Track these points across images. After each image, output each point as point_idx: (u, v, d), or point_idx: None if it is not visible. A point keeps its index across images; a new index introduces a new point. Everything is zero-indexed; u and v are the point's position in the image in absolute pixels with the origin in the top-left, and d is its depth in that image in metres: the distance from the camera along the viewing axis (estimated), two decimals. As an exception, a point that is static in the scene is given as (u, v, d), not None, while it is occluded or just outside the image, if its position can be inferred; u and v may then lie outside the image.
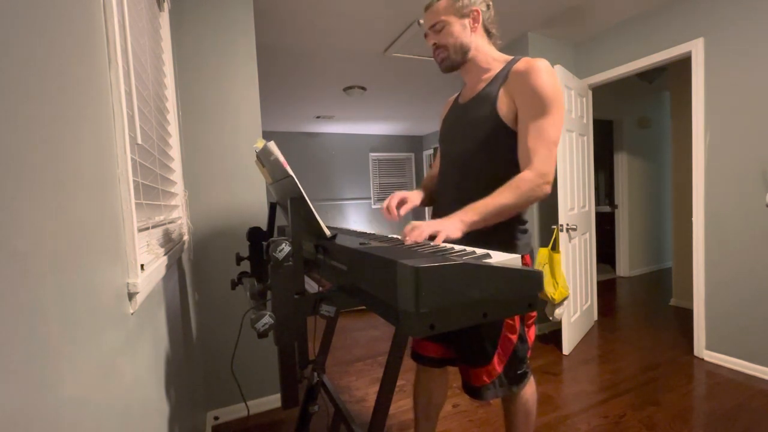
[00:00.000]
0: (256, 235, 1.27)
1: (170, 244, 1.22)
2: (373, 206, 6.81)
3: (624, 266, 4.75)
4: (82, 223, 0.50)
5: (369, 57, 3.18)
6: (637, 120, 4.71)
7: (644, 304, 3.69)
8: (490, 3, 1.18)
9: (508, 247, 1.11)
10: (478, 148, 1.14)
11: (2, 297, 0.31)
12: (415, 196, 1.26)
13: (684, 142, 3.36)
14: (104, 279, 0.57)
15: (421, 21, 2.56)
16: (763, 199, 2.16)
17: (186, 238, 1.59)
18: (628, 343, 2.79)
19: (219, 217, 1.97)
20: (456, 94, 1.35)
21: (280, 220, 1.24)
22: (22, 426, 0.33)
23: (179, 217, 1.54)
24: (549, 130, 1.03)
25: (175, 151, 1.54)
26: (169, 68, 1.56)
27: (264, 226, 1.47)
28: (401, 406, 2.06)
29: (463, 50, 1.15)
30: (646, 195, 4.81)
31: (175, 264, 1.30)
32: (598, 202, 5.10)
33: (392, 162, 7.01)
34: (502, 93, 1.10)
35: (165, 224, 1.21)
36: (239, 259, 1.20)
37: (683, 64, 3.12)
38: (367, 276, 0.69)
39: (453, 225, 0.93)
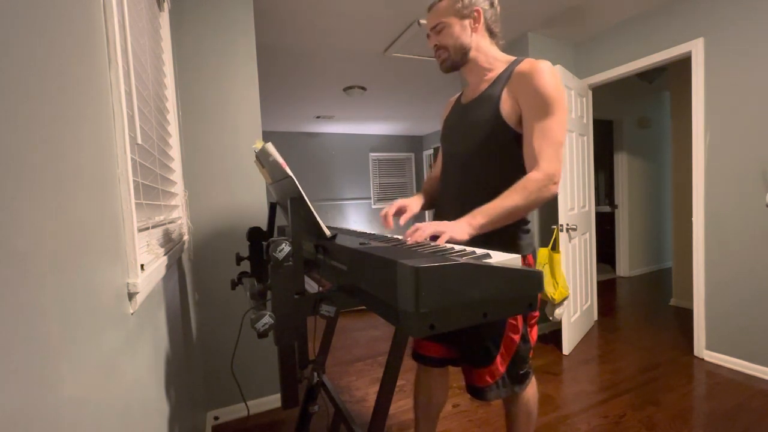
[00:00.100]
0: (256, 235, 1.27)
1: (170, 244, 1.22)
2: (373, 206, 6.81)
3: (624, 266, 4.75)
4: (82, 223, 0.50)
5: (369, 57, 3.18)
6: (637, 120, 4.71)
7: (644, 304, 3.69)
8: (495, 1, 1.18)
9: (512, 247, 1.11)
10: (481, 148, 1.14)
11: (2, 297, 0.31)
12: (414, 204, 1.26)
13: (684, 142, 3.36)
14: (104, 279, 0.57)
15: (422, 21, 2.57)
16: (763, 199, 2.16)
17: (186, 238, 1.59)
18: (628, 343, 2.79)
19: (219, 217, 1.97)
20: (458, 94, 1.35)
21: (280, 220, 1.24)
22: (22, 426, 0.33)
23: (179, 217, 1.54)
24: (554, 130, 1.04)
25: (175, 151, 1.54)
26: (169, 68, 1.56)
27: (264, 226, 1.47)
28: (401, 406, 2.06)
29: (463, 51, 1.15)
30: (646, 195, 4.81)
31: (175, 264, 1.30)
32: (598, 202, 5.10)
33: (392, 162, 7.01)
34: (505, 94, 1.10)
35: (165, 224, 1.21)
36: (239, 259, 1.20)
37: (683, 64, 3.12)
38: (367, 276, 0.69)
39: (460, 228, 0.93)
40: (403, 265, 0.55)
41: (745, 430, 1.75)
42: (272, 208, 1.33)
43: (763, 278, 2.19)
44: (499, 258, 0.66)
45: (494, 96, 1.12)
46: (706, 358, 2.46)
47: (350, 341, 3.08)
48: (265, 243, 0.97)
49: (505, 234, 1.09)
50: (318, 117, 5.22)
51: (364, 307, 0.80)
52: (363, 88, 3.97)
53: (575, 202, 2.78)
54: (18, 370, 0.33)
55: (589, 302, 3.08)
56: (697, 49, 2.40)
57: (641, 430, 1.78)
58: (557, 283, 2.45)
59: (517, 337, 1.12)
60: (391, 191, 7.00)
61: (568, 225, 2.62)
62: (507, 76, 1.11)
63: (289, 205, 0.78)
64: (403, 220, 1.20)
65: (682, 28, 2.47)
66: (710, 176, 2.41)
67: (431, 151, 6.86)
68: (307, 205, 0.80)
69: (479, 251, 0.72)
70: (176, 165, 1.56)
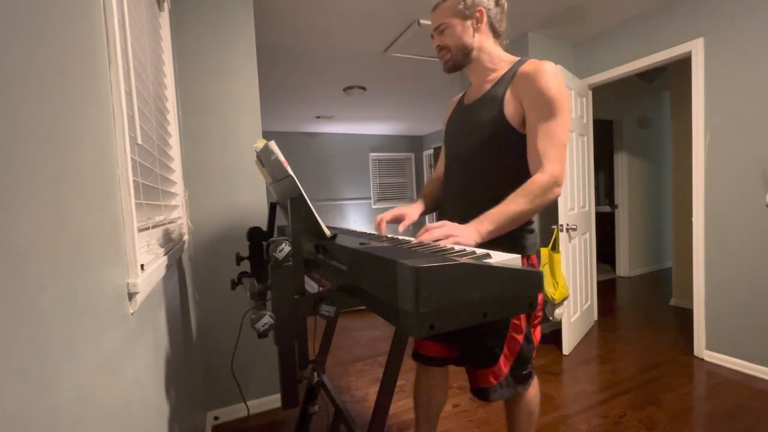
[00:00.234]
0: (256, 235, 1.27)
1: (170, 244, 1.22)
2: (373, 206, 6.81)
3: (624, 266, 4.75)
4: (82, 223, 0.50)
5: (369, 57, 3.18)
6: (637, 120, 4.71)
7: (644, 304, 3.69)
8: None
9: (516, 247, 1.11)
10: (484, 149, 1.14)
11: (2, 297, 0.31)
12: (413, 211, 1.26)
13: (684, 142, 3.36)
14: (104, 279, 0.57)
15: (422, 21, 2.57)
16: (763, 199, 2.16)
17: (186, 238, 1.59)
18: (628, 343, 2.79)
19: (219, 217, 1.97)
20: (460, 95, 1.35)
21: (280, 220, 1.24)
22: (22, 426, 0.33)
23: (179, 217, 1.54)
24: (558, 132, 1.04)
25: (175, 151, 1.54)
26: (169, 68, 1.56)
27: (264, 226, 1.47)
28: (401, 406, 2.06)
29: (466, 51, 1.15)
30: (646, 195, 4.81)
31: (175, 264, 1.30)
32: (598, 202, 5.10)
33: (392, 162, 7.01)
34: (508, 95, 1.09)
35: (165, 224, 1.21)
36: (239, 259, 1.20)
37: (683, 64, 3.12)
38: (367, 276, 0.69)
39: (469, 233, 0.93)
40: (403, 265, 0.55)
41: (745, 430, 1.75)
42: (272, 208, 1.33)
43: (763, 278, 2.19)
44: (499, 258, 0.66)
45: (498, 96, 1.12)
46: (706, 358, 2.46)
47: (350, 341, 3.08)
48: (265, 243, 0.97)
49: (509, 234, 1.10)
50: (318, 117, 5.22)
51: (364, 307, 0.80)
52: (363, 88, 3.97)
53: (575, 202, 2.78)
54: (18, 370, 0.33)
55: (589, 302, 3.08)
56: (697, 49, 2.40)
57: (641, 430, 1.78)
58: (557, 283, 2.45)
59: (520, 338, 1.12)
60: (391, 191, 7.00)
61: (568, 225, 2.62)
62: (510, 76, 1.11)
63: (289, 205, 0.78)
64: (401, 227, 1.20)
65: (682, 28, 2.47)
66: (710, 176, 2.41)
67: (431, 151, 6.86)
68: (308, 204, 0.80)
69: (479, 251, 0.72)
70: (176, 165, 1.56)
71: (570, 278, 2.68)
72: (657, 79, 4.48)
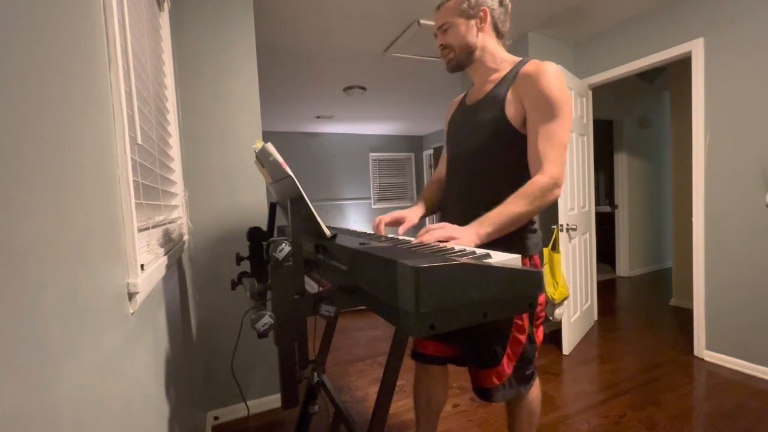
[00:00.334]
0: (256, 235, 1.27)
1: (170, 244, 1.22)
2: (373, 206, 6.81)
3: (624, 266, 4.75)
4: (82, 222, 0.50)
5: (369, 57, 3.18)
6: (637, 120, 4.71)
7: (644, 304, 3.69)
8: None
9: (518, 247, 1.11)
10: (486, 149, 1.14)
11: (2, 297, 0.31)
12: (413, 214, 1.26)
13: (684, 142, 3.36)
14: (104, 279, 0.57)
15: (421, 21, 2.57)
16: (763, 199, 2.16)
17: (186, 238, 1.59)
18: (628, 343, 2.79)
19: (219, 217, 1.97)
20: (462, 95, 1.35)
21: (280, 220, 1.24)
22: (22, 426, 0.33)
23: (179, 217, 1.54)
24: (559, 133, 1.04)
25: (175, 151, 1.54)
26: (169, 68, 1.56)
27: (264, 226, 1.47)
28: (401, 406, 2.06)
29: (469, 50, 1.15)
30: (646, 195, 4.81)
31: (175, 264, 1.30)
32: (598, 202, 5.10)
33: (392, 162, 7.01)
34: (510, 95, 1.09)
35: (165, 224, 1.21)
36: (239, 259, 1.20)
37: (683, 64, 3.12)
38: (367, 276, 0.69)
39: (468, 235, 0.94)
40: (403, 265, 0.55)
41: (745, 430, 1.75)
42: (272, 208, 1.33)
43: (763, 278, 2.19)
44: (499, 258, 0.66)
45: (499, 97, 1.12)
46: (706, 358, 2.46)
47: (350, 341, 3.08)
48: (265, 243, 0.97)
49: (512, 234, 1.10)
50: (318, 117, 5.22)
51: (364, 307, 0.80)
52: (363, 88, 3.97)
53: (575, 202, 2.78)
54: (18, 370, 0.33)
55: (589, 302, 3.08)
56: (697, 49, 2.40)
57: (641, 430, 1.78)
58: (557, 283, 2.45)
59: (523, 338, 1.12)
60: (391, 191, 7.00)
61: (568, 225, 2.62)
62: (512, 77, 1.11)
63: (289, 205, 0.78)
64: (401, 230, 1.20)
65: (682, 28, 2.47)
66: (710, 176, 2.41)
67: (431, 151, 6.86)
68: (307, 204, 0.80)
69: (479, 251, 0.72)
70: (176, 165, 1.56)
71: (570, 278, 2.68)
72: (657, 79, 4.49)
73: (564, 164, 1.05)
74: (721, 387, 2.14)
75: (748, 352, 2.28)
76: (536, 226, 1.17)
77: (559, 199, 2.55)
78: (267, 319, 0.72)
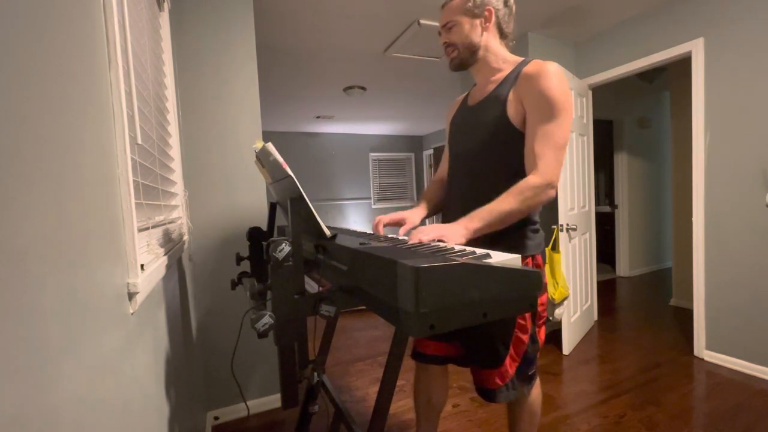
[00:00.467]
0: (256, 235, 1.27)
1: (170, 244, 1.22)
2: (373, 206, 6.81)
3: (624, 266, 4.75)
4: (82, 222, 0.50)
5: (369, 57, 3.18)
6: (637, 120, 4.71)
7: (644, 304, 3.69)
8: (510, 0, 1.17)
9: (519, 247, 1.11)
10: (488, 150, 1.14)
11: (2, 297, 0.31)
12: (415, 216, 1.25)
13: (684, 142, 3.36)
14: (104, 279, 0.57)
15: (421, 21, 2.57)
16: (763, 199, 2.16)
17: (186, 238, 1.59)
18: (628, 343, 2.79)
19: (219, 217, 1.97)
20: (464, 95, 1.35)
21: (280, 220, 1.24)
22: (22, 426, 0.33)
23: (179, 217, 1.54)
24: (557, 134, 1.03)
25: (175, 151, 1.54)
26: (169, 68, 1.56)
27: (264, 226, 1.47)
28: (401, 406, 2.06)
29: (472, 49, 1.15)
30: (646, 195, 4.81)
31: (175, 264, 1.30)
32: (598, 202, 5.10)
33: (392, 162, 7.01)
34: (511, 96, 1.09)
35: (165, 224, 1.21)
36: (239, 259, 1.20)
37: (683, 64, 3.12)
38: (367, 276, 0.69)
39: (457, 232, 0.94)
40: (403, 265, 0.55)
41: (745, 430, 1.75)
42: (272, 208, 1.33)
43: (763, 278, 2.19)
44: (498, 258, 0.66)
45: (501, 97, 1.11)
46: (706, 358, 2.46)
47: (350, 341, 3.08)
48: (265, 243, 0.97)
49: (513, 234, 1.10)
50: (318, 117, 5.22)
51: (364, 307, 0.80)
52: (363, 88, 3.97)
53: (575, 202, 2.78)
54: (18, 370, 0.33)
55: (589, 302, 3.08)
56: (697, 49, 2.40)
57: (641, 430, 1.78)
58: (557, 283, 2.45)
59: (525, 337, 1.12)
60: (391, 191, 7.00)
61: (568, 225, 2.62)
62: (514, 77, 1.11)
63: (289, 205, 0.78)
64: (402, 231, 1.20)
65: (682, 28, 2.47)
66: (710, 176, 2.41)
67: (431, 151, 6.86)
68: (307, 204, 0.80)
69: (479, 251, 0.72)
70: (176, 165, 1.56)
71: (570, 278, 2.68)
72: (657, 79, 4.49)
73: (560, 166, 1.04)
74: (721, 387, 2.14)
75: (748, 352, 2.28)
76: (538, 226, 1.17)
77: (559, 199, 2.55)
78: (267, 319, 0.72)
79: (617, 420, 1.87)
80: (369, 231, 1.27)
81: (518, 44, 2.92)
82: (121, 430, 0.59)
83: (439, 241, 0.90)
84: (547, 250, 2.50)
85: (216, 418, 1.98)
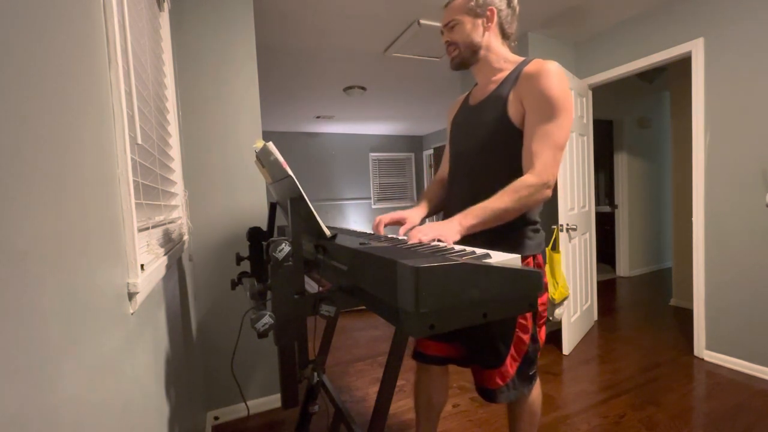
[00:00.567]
0: (256, 235, 1.27)
1: (170, 244, 1.22)
2: (373, 206, 6.81)
3: (624, 266, 4.75)
4: (82, 222, 0.50)
5: (369, 57, 3.18)
6: (637, 120, 4.71)
7: (644, 304, 3.69)
8: (513, 1, 1.18)
9: (520, 247, 1.11)
10: (489, 150, 1.14)
11: (2, 297, 0.31)
12: (415, 215, 1.25)
13: (684, 142, 3.36)
14: (104, 279, 0.57)
15: (421, 21, 2.57)
16: (763, 199, 2.16)
17: (186, 238, 1.59)
18: (628, 343, 2.79)
19: (219, 217, 1.97)
20: (465, 94, 1.35)
21: (280, 220, 1.24)
22: (22, 426, 0.33)
23: (179, 217, 1.54)
24: (555, 134, 1.03)
25: (175, 151, 1.54)
26: (169, 68, 1.56)
27: (264, 226, 1.47)
28: (401, 406, 2.06)
29: (474, 49, 1.15)
30: (646, 195, 4.81)
31: (175, 264, 1.30)
32: (598, 202, 5.10)
33: (392, 162, 7.01)
34: (512, 96, 1.09)
35: (165, 224, 1.21)
36: (239, 259, 1.20)
37: (683, 64, 3.12)
38: (367, 276, 0.69)
39: (452, 228, 0.94)
40: (403, 265, 0.55)
41: (745, 430, 1.75)
42: (272, 208, 1.33)
43: (763, 278, 2.19)
44: (498, 258, 0.66)
45: (502, 97, 1.12)
46: (706, 358, 2.46)
47: (350, 341, 3.08)
48: (265, 243, 0.97)
49: (514, 233, 1.10)
50: (318, 117, 5.22)
51: (364, 307, 0.80)
52: (363, 88, 3.97)
53: (575, 202, 2.78)
54: (18, 370, 0.33)
55: (589, 302, 3.08)
56: (697, 49, 2.40)
57: (641, 430, 1.78)
58: (557, 283, 2.45)
59: (526, 337, 1.12)
60: (391, 191, 7.00)
61: (568, 225, 2.62)
62: (515, 77, 1.11)
63: (289, 205, 0.78)
64: (402, 231, 1.20)
65: (682, 28, 2.47)
66: (710, 176, 2.41)
67: (431, 151, 6.86)
68: (307, 204, 0.80)
69: (479, 251, 0.72)
70: (176, 165, 1.56)
71: (570, 278, 2.68)
72: (657, 79, 4.49)
73: (557, 165, 1.04)
74: (721, 387, 2.14)
75: (748, 352, 2.28)
76: (539, 225, 1.17)
77: (559, 199, 2.55)
78: (267, 319, 0.72)
79: (617, 420, 1.87)
80: (369, 231, 1.26)
81: (518, 44, 2.91)
82: (121, 430, 0.59)
83: (439, 240, 0.90)
84: (547, 250, 2.50)
85: (216, 418, 1.98)
